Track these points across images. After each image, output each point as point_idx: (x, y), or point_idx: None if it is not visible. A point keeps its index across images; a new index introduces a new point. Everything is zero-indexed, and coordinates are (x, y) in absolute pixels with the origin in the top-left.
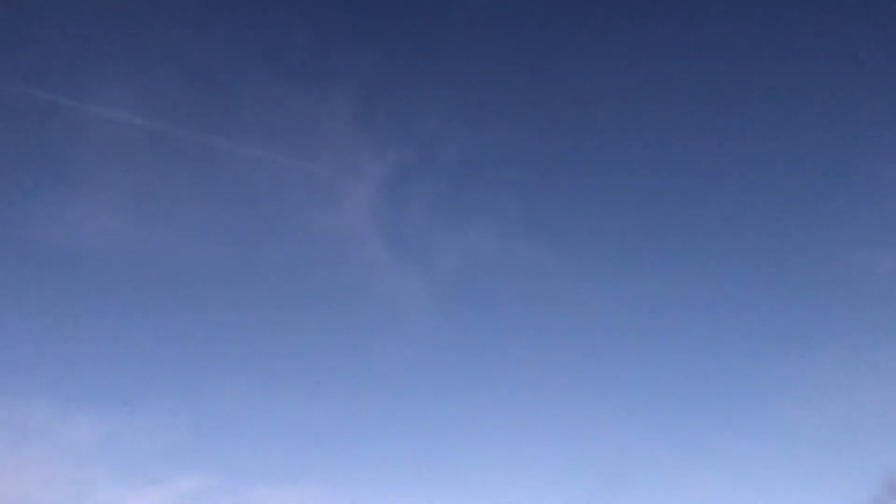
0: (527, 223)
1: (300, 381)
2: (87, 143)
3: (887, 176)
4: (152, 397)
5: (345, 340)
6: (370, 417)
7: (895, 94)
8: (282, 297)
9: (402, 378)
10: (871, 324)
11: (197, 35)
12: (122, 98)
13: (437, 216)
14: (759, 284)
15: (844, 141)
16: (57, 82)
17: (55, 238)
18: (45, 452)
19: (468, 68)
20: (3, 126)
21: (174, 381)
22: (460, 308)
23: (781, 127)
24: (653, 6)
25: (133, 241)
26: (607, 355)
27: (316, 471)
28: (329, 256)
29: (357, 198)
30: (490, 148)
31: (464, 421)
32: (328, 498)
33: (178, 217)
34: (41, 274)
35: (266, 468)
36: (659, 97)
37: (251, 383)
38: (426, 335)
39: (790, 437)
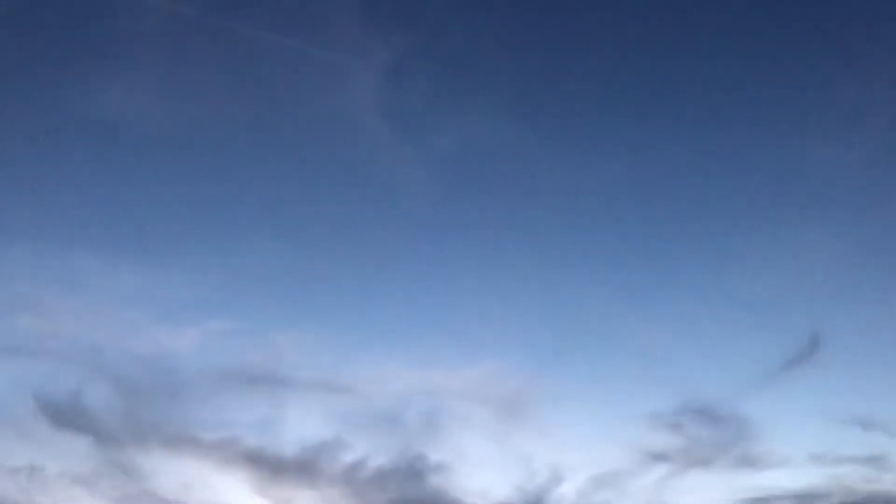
0: (520, 108)
1: (314, 242)
2: (120, 24)
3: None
4: (187, 252)
5: (352, 208)
6: (372, 275)
7: None
8: (297, 168)
9: (400, 241)
10: (804, 202)
11: None
12: None
13: (437, 101)
14: (727, 167)
15: (816, 35)
16: None
17: (96, 110)
18: (93, 299)
19: None
20: (46, 8)
21: (206, 238)
22: (454, 186)
23: (757, 21)
24: None
25: (164, 115)
26: (580, 226)
27: (326, 318)
28: (337, 135)
29: (363, 82)
30: (489, 37)
31: (452, 282)
32: (336, 339)
33: (202, 95)
34: (85, 143)
35: (285, 314)
36: None
37: (272, 242)
38: (422, 208)
39: (734, 300)
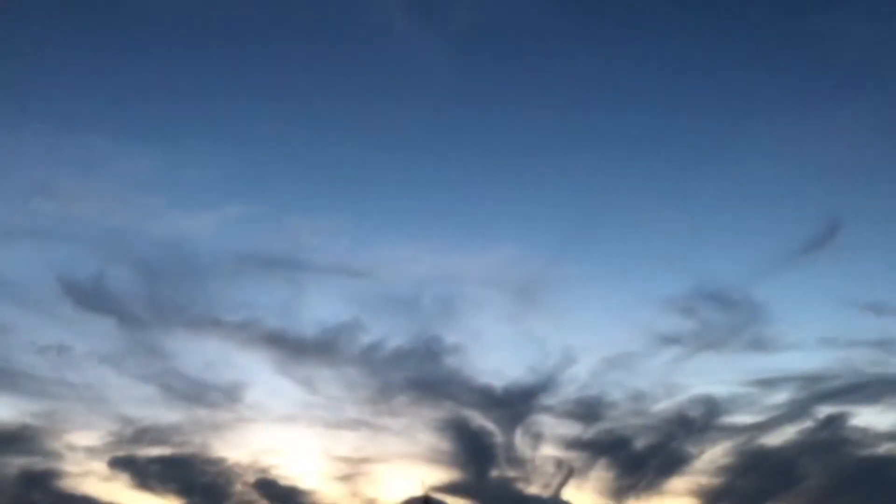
0: None
1: (331, 126)
2: None
3: None
4: (202, 136)
5: (368, 91)
6: (389, 160)
7: None
8: (312, 48)
9: (417, 126)
10: (833, 86)
11: None
12: None
13: None
14: (737, 45)
15: None
16: None
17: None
18: (110, 183)
19: None
20: None
21: (221, 121)
22: (471, 64)
23: None
24: None
25: (186, 2)
26: (596, 110)
27: (343, 202)
28: (351, 11)
29: None
30: None
31: (470, 167)
32: (353, 224)
33: None
34: (100, 26)
35: (301, 199)
36: None
37: (288, 125)
38: (438, 89)
39: (754, 184)
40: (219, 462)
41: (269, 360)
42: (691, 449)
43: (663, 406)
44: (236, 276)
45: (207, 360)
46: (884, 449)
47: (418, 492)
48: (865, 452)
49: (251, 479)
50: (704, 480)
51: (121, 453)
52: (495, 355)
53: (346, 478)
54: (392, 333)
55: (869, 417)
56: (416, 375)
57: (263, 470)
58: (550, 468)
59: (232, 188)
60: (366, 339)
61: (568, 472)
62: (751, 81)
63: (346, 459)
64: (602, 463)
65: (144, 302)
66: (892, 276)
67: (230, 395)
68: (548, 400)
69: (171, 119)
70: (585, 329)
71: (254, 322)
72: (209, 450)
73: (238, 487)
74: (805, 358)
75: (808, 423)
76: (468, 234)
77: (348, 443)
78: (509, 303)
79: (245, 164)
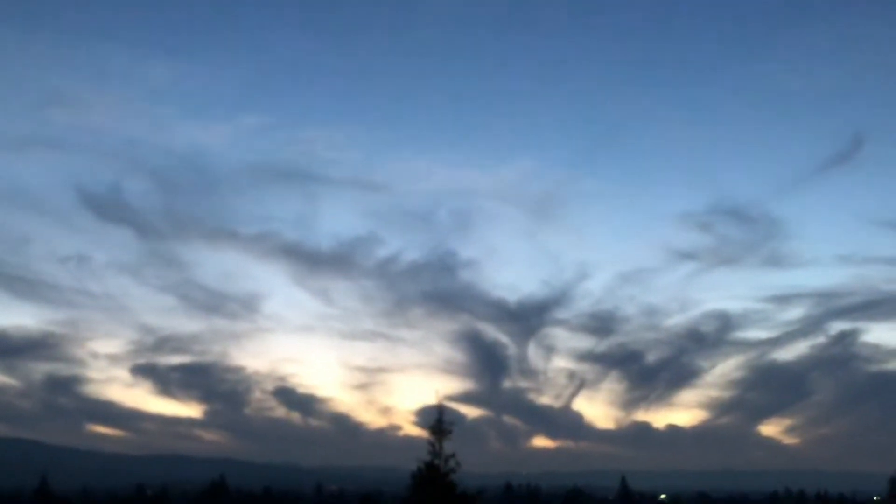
0: None
1: (347, 36)
2: None
3: None
4: (219, 45)
5: (386, 1)
6: (405, 73)
7: None
8: None
9: (434, 39)
10: (866, 1)
11: None
12: None
13: None
14: None
15: None
16: None
17: None
18: (125, 93)
19: None
20: None
21: (235, 31)
22: None
23: None
24: None
25: None
26: (614, 22)
27: (358, 115)
28: None
29: None
30: None
31: (487, 81)
32: (368, 137)
33: None
34: None
35: (317, 111)
36: None
37: (304, 35)
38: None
39: (778, 99)
40: (238, 370)
41: (285, 271)
42: (702, 363)
43: (676, 321)
44: (252, 187)
45: (225, 271)
46: (894, 365)
47: (432, 401)
48: (875, 368)
49: (269, 387)
50: (714, 393)
51: (142, 361)
52: (510, 269)
53: (361, 387)
54: (408, 247)
55: (881, 334)
56: (432, 289)
57: (281, 378)
58: (562, 380)
59: (246, 99)
60: (381, 252)
61: (579, 384)
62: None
63: (362, 369)
64: (613, 375)
65: (161, 213)
66: None
67: (248, 305)
68: (561, 314)
69: (185, 29)
70: (600, 244)
71: (270, 234)
72: (228, 358)
73: (257, 395)
74: (821, 274)
75: (820, 339)
76: (484, 149)
77: (364, 353)
78: (525, 217)
79: (259, 76)
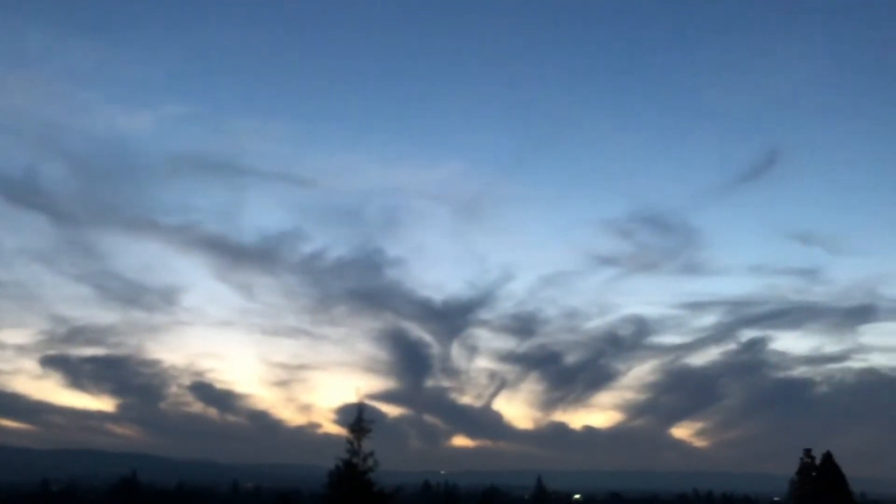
0: None
1: (279, 25)
2: None
3: None
4: (143, 29)
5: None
6: (338, 66)
7: None
8: None
9: (370, 35)
10: (786, 22)
11: None
12: None
13: None
14: None
15: None
16: None
17: None
18: (44, 75)
19: None
20: None
21: (164, 14)
22: None
23: None
24: None
25: None
26: (550, 32)
27: (289, 107)
28: None
29: None
30: None
31: (420, 80)
32: (298, 130)
33: None
34: None
35: (245, 102)
36: None
37: (235, 21)
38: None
39: (700, 113)
40: (154, 364)
41: (207, 264)
42: (619, 366)
43: (596, 324)
44: (175, 177)
45: (144, 261)
46: (799, 372)
47: (353, 399)
48: (781, 374)
49: (186, 381)
50: (630, 396)
51: (53, 352)
52: (436, 269)
53: (282, 384)
54: (334, 243)
55: (788, 342)
56: (357, 286)
57: (199, 373)
58: (484, 380)
59: (173, 86)
60: (307, 248)
61: (500, 384)
62: (707, 11)
63: (283, 366)
64: (533, 376)
65: (78, 199)
66: (821, 208)
67: (167, 298)
68: (485, 314)
69: (112, 11)
70: (525, 247)
71: (192, 225)
72: (144, 352)
73: (173, 389)
74: (734, 283)
75: (731, 346)
76: (416, 147)
77: (286, 350)
78: (453, 218)
79: (188, 63)
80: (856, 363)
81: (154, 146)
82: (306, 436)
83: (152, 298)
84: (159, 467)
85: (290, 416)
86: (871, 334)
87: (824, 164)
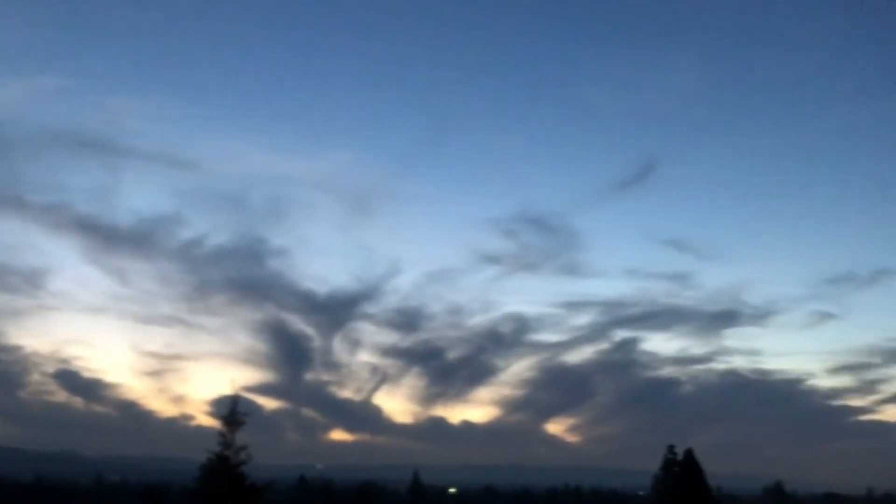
0: None
1: (165, 1)
2: None
3: None
4: None
5: None
6: (227, 44)
7: None
8: None
9: (264, 14)
10: (669, 39)
11: None
12: None
13: None
14: None
15: None
16: None
17: None
18: None
19: None
20: None
21: None
22: None
23: None
24: None
25: None
26: (443, 30)
27: (173, 86)
28: None
29: None
30: None
31: (315, 66)
32: (182, 111)
33: None
34: None
35: (126, 78)
36: None
37: None
38: None
39: (584, 119)
40: (14, 350)
41: (77, 246)
42: (499, 362)
43: (478, 321)
44: (46, 154)
45: (7, 241)
46: (666, 372)
47: (228, 391)
48: (650, 374)
49: (51, 369)
50: (507, 392)
51: None
52: (321, 261)
53: (154, 373)
54: (215, 230)
55: (657, 343)
56: (237, 275)
57: (65, 361)
58: (365, 374)
59: (48, 56)
60: (186, 233)
61: (381, 379)
62: (595, 22)
63: (156, 355)
64: (415, 371)
65: None
66: (693, 217)
67: (32, 280)
68: (369, 308)
69: None
70: (413, 242)
71: (63, 205)
72: (4, 336)
73: (35, 377)
74: (609, 285)
75: (604, 345)
76: (305, 135)
77: (159, 339)
78: (340, 209)
79: (66, 33)
80: (719, 364)
81: (25, 119)
82: (178, 428)
83: (15, 280)
84: (16, 459)
85: (162, 407)
86: (733, 338)
87: (697, 175)
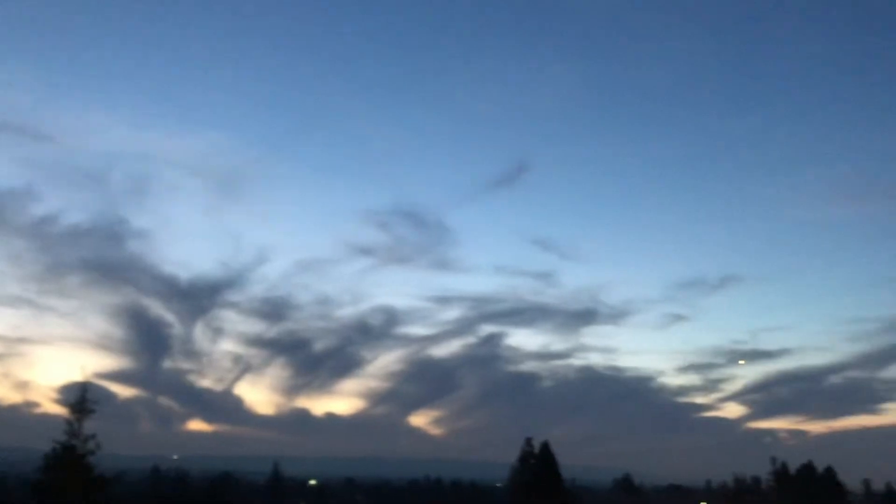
0: None
1: None
2: None
3: None
4: None
5: None
6: (89, 7)
7: None
8: None
9: None
10: (549, 43)
11: None
12: None
13: None
14: None
15: None
16: None
17: None
18: None
19: None
20: None
21: None
22: None
23: None
24: None
25: None
26: (323, 19)
27: (30, 53)
28: None
29: None
30: None
31: (185, 41)
32: (37, 79)
33: None
34: None
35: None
36: None
37: None
38: None
39: (463, 119)
40: None
41: None
42: (366, 354)
43: (347, 312)
44: None
45: None
46: (528, 366)
47: (79, 377)
48: (513, 368)
49: None
50: (373, 384)
51: None
52: (185, 245)
53: None
54: (70, 208)
55: (521, 338)
56: (94, 256)
57: None
58: (227, 363)
59: None
60: (38, 209)
61: (244, 369)
62: (473, 22)
63: (1, 338)
64: (280, 361)
65: None
66: (560, 218)
67: None
68: (235, 296)
69: None
70: (283, 230)
71: None
72: None
73: None
74: (479, 281)
75: (471, 339)
76: (174, 112)
77: (4, 320)
78: (208, 192)
79: None
80: (577, 361)
81: None
82: (21, 416)
83: None
84: None
85: (4, 393)
86: (590, 335)
87: (566, 177)
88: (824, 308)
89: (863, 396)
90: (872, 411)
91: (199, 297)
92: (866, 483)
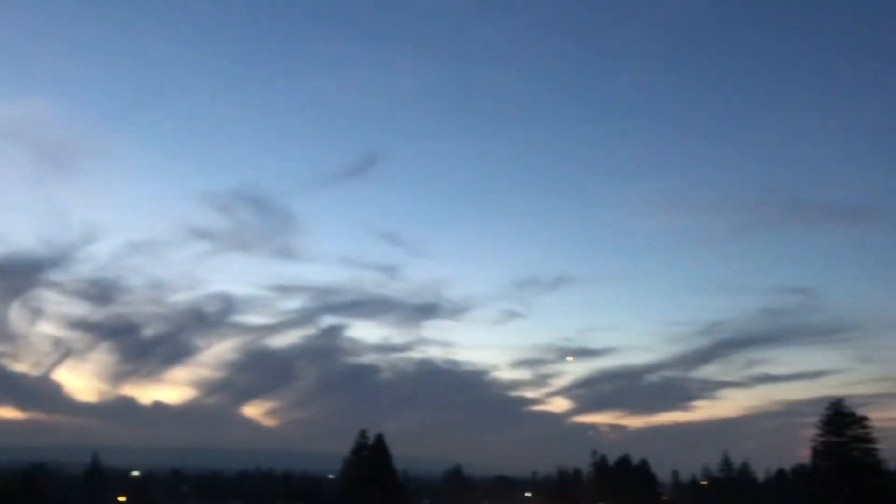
0: None
1: None
2: None
3: None
4: None
5: None
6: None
7: None
8: None
9: None
10: (398, 44)
11: None
12: None
13: None
14: None
15: None
16: None
17: None
18: None
19: None
20: None
21: None
22: None
23: None
24: None
25: None
26: None
27: None
28: None
29: None
30: None
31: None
32: None
33: None
34: None
35: None
36: None
37: None
38: None
39: (315, 107)
40: None
41: None
42: (200, 342)
43: (181, 298)
44: None
45: None
46: (368, 358)
47: None
48: (352, 360)
49: None
50: (206, 373)
51: None
52: (2, 219)
53: None
54: None
55: (362, 331)
56: None
57: None
58: (46, 347)
59: None
60: None
61: (65, 353)
62: (333, 15)
63: None
64: (105, 346)
65: None
66: (406, 212)
67: None
68: (58, 276)
69: None
70: (116, 207)
71: None
72: None
73: None
74: (323, 271)
75: (311, 330)
76: None
77: None
78: (31, 163)
79: None
80: (416, 354)
81: None
82: None
83: None
84: None
85: None
86: (431, 329)
87: (414, 173)
88: (647, 311)
89: (676, 394)
90: (683, 408)
91: (16, 275)
92: (675, 474)
